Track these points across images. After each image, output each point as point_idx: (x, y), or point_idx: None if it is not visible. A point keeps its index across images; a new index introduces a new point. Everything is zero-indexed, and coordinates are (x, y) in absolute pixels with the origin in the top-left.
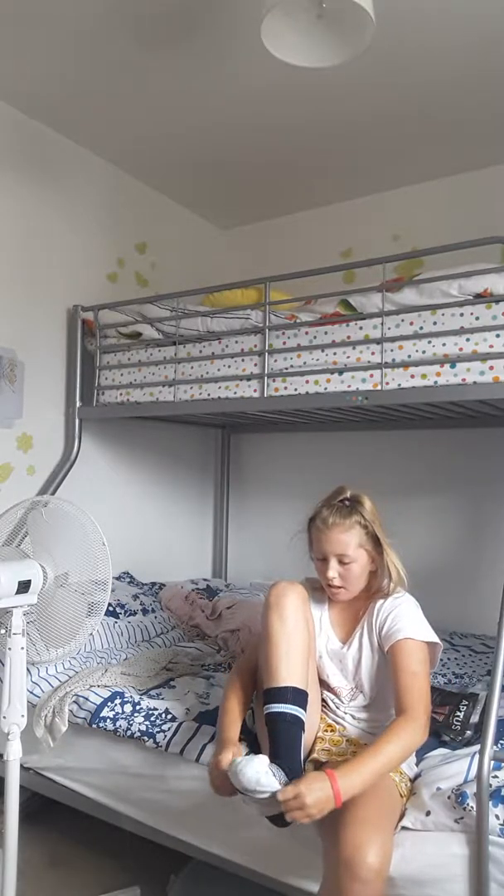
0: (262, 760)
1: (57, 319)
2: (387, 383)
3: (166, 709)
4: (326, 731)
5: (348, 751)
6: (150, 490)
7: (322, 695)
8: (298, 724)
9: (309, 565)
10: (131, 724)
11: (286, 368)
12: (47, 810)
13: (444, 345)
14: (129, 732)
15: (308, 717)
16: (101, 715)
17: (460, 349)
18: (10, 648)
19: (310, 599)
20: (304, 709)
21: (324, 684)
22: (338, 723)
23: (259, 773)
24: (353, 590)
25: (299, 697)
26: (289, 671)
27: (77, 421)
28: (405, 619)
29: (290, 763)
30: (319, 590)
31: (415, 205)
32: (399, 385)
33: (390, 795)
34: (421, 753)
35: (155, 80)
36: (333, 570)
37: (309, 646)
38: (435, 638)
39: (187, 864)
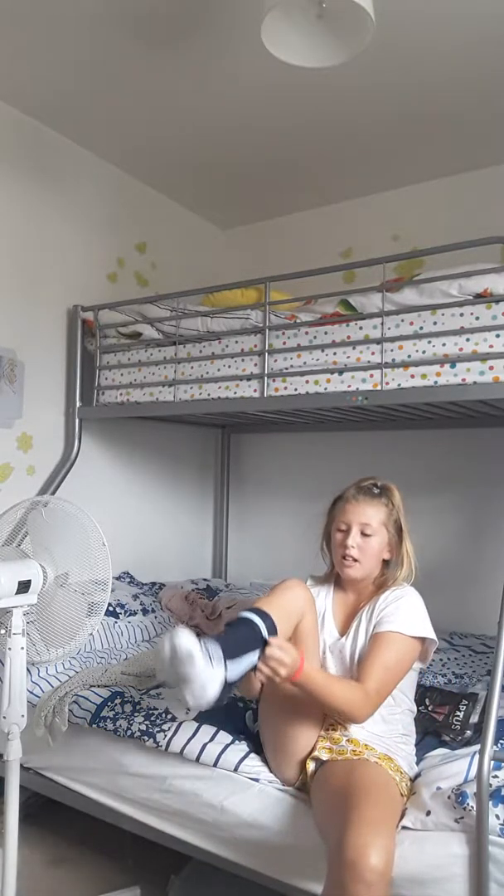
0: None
1: (57, 319)
2: (387, 383)
3: (166, 708)
4: (328, 728)
5: (348, 749)
6: (149, 490)
7: None
8: (259, 634)
9: (311, 565)
10: (131, 724)
11: (286, 368)
12: (47, 810)
13: (444, 345)
14: (129, 732)
15: (311, 713)
16: (101, 715)
17: (460, 349)
18: (10, 648)
19: (315, 591)
20: (273, 633)
21: None
22: (340, 723)
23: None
24: (366, 567)
25: (271, 624)
26: (272, 608)
27: (77, 421)
28: (401, 612)
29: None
30: (324, 581)
31: (415, 205)
32: (399, 385)
33: (392, 796)
34: (421, 753)
35: (155, 80)
36: (353, 539)
37: (297, 623)
38: (428, 633)
39: (187, 864)
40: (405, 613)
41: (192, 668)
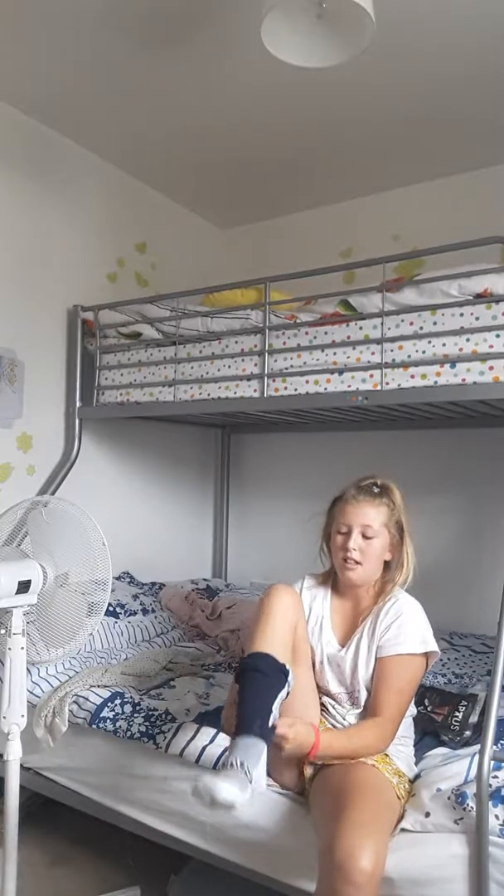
0: (227, 789)
1: (57, 319)
2: (387, 383)
3: (166, 709)
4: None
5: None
6: (150, 490)
7: (321, 699)
8: (279, 680)
9: (311, 565)
10: (131, 725)
11: (286, 368)
12: (47, 810)
13: (444, 345)
14: (128, 734)
15: (307, 719)
16: (101, 715)
17: (460, 349)
18: (10, 648)
19: (311, 595)
20: (287, 678)
21: (324, 690)
22: (336, 727)
23: (232, 796)
24: (368, 569)
25: (281, 666)
26: (271, 644)
27: (77, 421)
28: (405, 630)
29: (261, 723)
30: (323, 583)
31: (415, 205)
32: (399, 385)
33: (386, 799)
34: (420, 753)
35: (155, 80)
36: (355, 542)
37: (293, 639)
38: (433, 646)
39: (187, 864)
40: (409, 631)
41: (234, 811)
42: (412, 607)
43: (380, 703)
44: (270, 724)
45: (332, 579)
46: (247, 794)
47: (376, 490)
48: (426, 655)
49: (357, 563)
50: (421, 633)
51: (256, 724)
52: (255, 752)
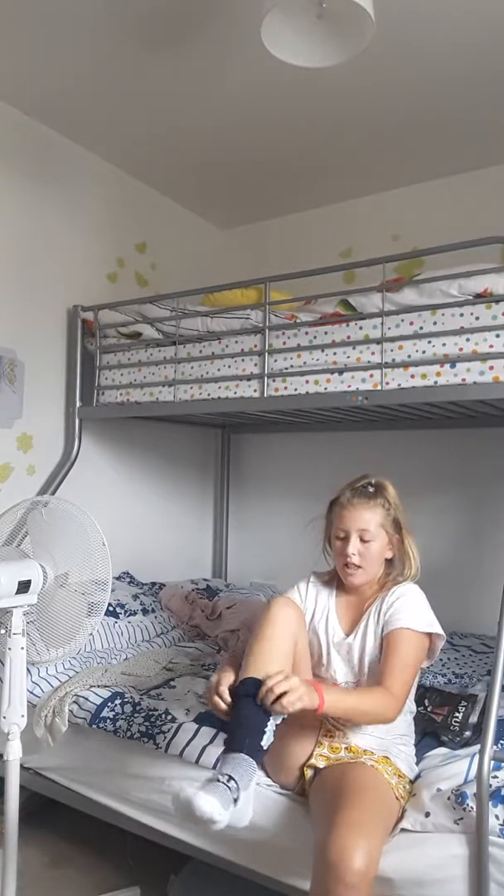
0: (209, 801)
1: (57, 319)
2: (387, 383)
3: (166, 709)
4: (325, 736)
5: (346, 758)
6: (150, 490)
7: None
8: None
9: (312, 562)
10: (131, 725)
11: (286, 368)
12: (47, 810)
13: (444, 345)
14: (129, 733)
15: (307, 723)
16: (102, 715)
17: (460, 349)
18: (10, 648)
19: (316, 590)
20: None
21: (331, 680)
22: (338, 728)
23: (211, 809)
24: (370, 572)
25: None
26: (269, 663)
27: (77, 421)
28: (409, 608)
29: (251, 745)
30: (328, 582)
31: (415, 205)
32: (399, 385)
33: (383, 799)
34: (420, 753)
35: (155, 80)
36: (353, 547)
37: (292, 654)
38: (438, 629)
39: (187, 864)
40: (410, 609)
41: (214, 826)
42: (413, 592)
43: (386, 674)
44: (265, 745)
45: (337, 577)
46: (228, 813)
47: (371, 490)
48: (428, 638)
49: (357, 566)
50: (424, 614)
51: (246, 743)
52: (245, 770)
